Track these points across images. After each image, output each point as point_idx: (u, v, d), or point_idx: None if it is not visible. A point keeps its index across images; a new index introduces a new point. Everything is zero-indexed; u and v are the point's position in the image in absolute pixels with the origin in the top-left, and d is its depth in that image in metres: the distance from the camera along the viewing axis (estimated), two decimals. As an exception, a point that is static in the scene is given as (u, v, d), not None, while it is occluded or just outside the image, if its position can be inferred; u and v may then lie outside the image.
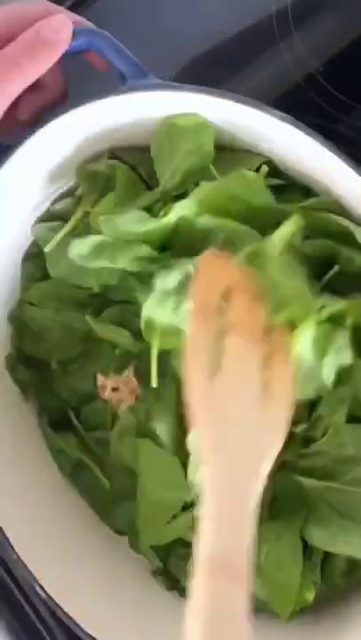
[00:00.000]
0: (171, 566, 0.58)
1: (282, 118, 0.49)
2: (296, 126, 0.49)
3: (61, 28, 0.50)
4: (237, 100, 0.49)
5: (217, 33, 0.66)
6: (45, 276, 0.58)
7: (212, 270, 0.48)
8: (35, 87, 0.52)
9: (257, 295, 0.47)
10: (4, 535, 0.53)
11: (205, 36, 0.66)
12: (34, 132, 0.51)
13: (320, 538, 0.52)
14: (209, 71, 0.66)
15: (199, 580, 0.42)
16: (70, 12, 0.53)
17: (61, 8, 0.53)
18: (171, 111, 0.51)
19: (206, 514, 0.44)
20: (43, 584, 0.52)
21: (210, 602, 0.41)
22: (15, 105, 0.52)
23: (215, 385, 0.46)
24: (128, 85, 0.51)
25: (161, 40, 0.66)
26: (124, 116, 0.52)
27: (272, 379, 0.47)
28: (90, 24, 0.54)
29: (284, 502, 0.52)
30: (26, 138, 0.51)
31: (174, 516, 0.54)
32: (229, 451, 0.45)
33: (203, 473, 0.45)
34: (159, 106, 0.51)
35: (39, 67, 0.50)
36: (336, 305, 0.49)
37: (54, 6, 0.53)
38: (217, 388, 0.46)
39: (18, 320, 0.59)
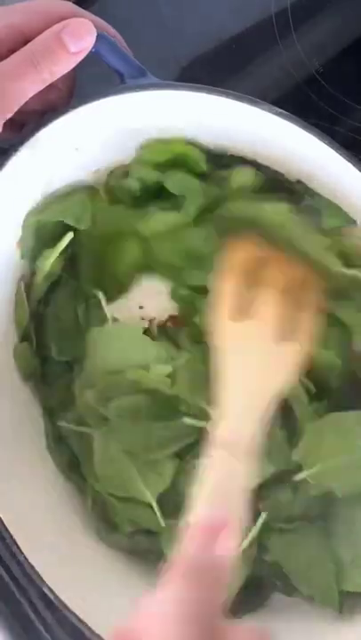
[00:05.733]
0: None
1: (281, 115, 0.49)
2: (296, 124, 0.49)
3: (84, 36, 0.49)
4: (237, 99, 0.49)
5: (217, 33, 0.66)
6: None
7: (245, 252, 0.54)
8: None
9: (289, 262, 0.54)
10: (11, 536, 0.53)
11: (205, 36, 0.66)
12: (33, 133, 0.51)
13: None
14: (209, 71, 0.66)
15: (211, 455, 0.50)
16: (94, 17, 0.52)
17: (87, 13, 0.52)
18: (170, 111, 0.52)
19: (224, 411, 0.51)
20: (50, 585, 0.52)
21: (216, 472, 0.49)
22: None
23: (240, 323, 0.53)
24: (126, 85, 0.52)
25: (161, 40, 0.66)
26: (123, 117, 0.53)
27: (295, 328, 0.53)
28: (112, 30, 0.53)
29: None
30: (25, 139, 0.51)
31: None
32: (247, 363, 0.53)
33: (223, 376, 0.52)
34: (159, 106, 0.52)
35: (56, 70, 0.49)
36: None
37: (80, 10, 0.52)
38: (241, 325, 0.53)
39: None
